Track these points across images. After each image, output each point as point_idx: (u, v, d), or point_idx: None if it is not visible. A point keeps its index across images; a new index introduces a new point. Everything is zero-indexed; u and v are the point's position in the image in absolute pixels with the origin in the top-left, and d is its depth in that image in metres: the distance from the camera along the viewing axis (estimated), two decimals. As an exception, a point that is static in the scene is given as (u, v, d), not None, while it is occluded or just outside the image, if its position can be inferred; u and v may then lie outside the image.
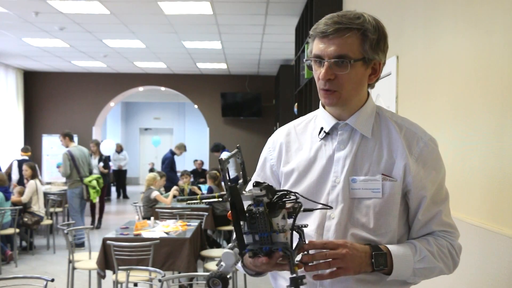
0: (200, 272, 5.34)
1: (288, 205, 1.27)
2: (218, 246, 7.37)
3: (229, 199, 1.20)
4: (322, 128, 1.50)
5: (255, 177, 1.60)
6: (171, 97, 15.82)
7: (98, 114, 11.74)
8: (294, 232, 1.28)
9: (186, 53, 9.20)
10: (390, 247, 1.38)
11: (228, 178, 1.21)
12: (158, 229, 5.35)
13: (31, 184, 7.69)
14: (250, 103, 11.68)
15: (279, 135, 1.60)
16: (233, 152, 1.30)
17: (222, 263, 1.26)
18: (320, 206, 1.37)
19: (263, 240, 1.22)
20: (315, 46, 1.42)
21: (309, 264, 1.30)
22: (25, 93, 11.57)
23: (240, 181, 1.28)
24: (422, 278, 1.42)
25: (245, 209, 1.22)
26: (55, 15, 6.57)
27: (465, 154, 2.01)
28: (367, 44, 1.38)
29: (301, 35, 5.95)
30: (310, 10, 5.18)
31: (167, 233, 5.20)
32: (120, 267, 4.28)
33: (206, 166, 12.44)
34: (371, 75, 1.44)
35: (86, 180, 8.16)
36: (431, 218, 1.44)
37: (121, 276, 4.53)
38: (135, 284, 5.28)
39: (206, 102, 11.99)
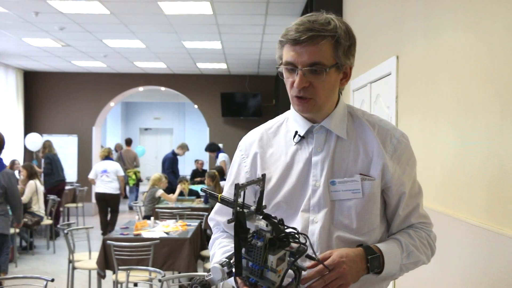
0: (200, 272, 5.34)
1: (293, 245, 1.22)
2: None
3: (234, 223, 1.17)
4: (296, 132, 1.48)
5: (228, 185, 1.56)
6: (171, 97, 15.81)
7: (98, 114, 11.73)
8: (291, 271, 1.23)
9: (186, 53, 9.20)
10: (380, 246, 1.39)
11: (239, 203, 1.18)
12: (158, 229, 5.35)
13: (30, 185, 7.68)
14: (250, 103, 11.66)
15: (251, 140, 1.55)
16: (253, 180, 1.25)
17: (210, 274, 1.24)
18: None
19: (253, 271, 1.20)
20: (286, 53, 1.39)
21: None
22: (25, 93, 11.56)
23: (253, 207, 1.24)
24: (406, 271, 1.46)
25: (248, 234, 1.19)
26: (55, 15, 6.57)
27: (466, 154, 2.01)
28: (340, 51, 1.38)
29: (301, 35, 5.93)
30: (310, 10, 5.18)
31: (167, 233, 5.20)
32: (120, 267, 4.28)
33: (205, 166, 12.42)
34: (342, 79, 1.45)
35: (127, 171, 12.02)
36: (410, 212, 1.48)
37: (121, 276, 4.53)
38: (135, 284, 5.28)
39: (206, 102, 11.98)
